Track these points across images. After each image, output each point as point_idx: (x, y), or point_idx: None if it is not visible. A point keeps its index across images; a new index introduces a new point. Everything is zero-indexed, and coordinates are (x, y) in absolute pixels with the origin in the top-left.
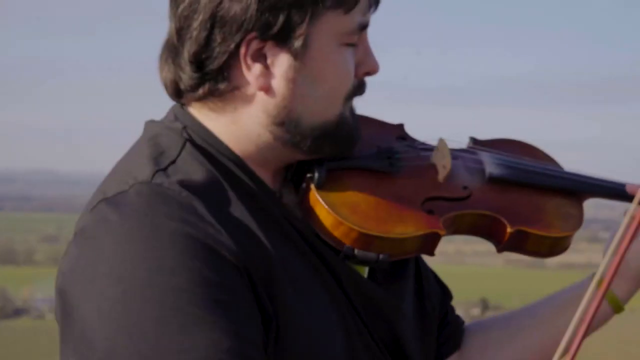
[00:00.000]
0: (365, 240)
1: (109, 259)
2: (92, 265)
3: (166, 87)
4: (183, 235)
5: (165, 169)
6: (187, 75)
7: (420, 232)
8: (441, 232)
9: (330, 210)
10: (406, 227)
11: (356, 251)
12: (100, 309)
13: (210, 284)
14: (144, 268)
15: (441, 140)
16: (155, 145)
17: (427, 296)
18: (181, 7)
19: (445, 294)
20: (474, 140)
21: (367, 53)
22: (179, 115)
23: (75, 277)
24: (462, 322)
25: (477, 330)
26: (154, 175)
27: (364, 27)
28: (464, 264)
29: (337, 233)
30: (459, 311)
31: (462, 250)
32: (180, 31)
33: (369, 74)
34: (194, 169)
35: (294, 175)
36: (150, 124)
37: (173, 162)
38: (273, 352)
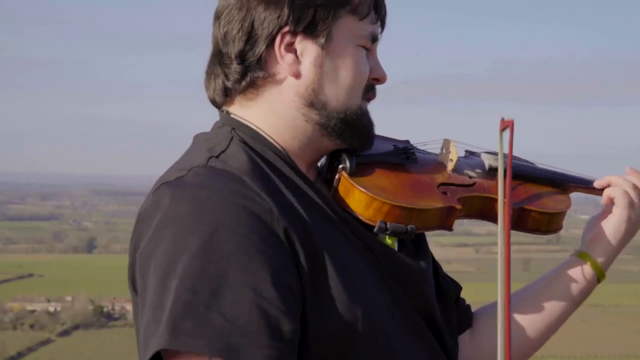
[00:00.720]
0: (396, 212)
1: (175, 227)
2: (158, 235)
3: (214, 96)
4: (236, 205)
5: (217, 156)
6: (232, 71)
7: (440, 205)
8: (457, 207)
9: (363, 189)
10: (428, 201)
11: (388, 224)
12: (162, 261)
13: (256, 247)
14: (204, 234)
15: (446, 140)
16: (207, 142)
17: (443, 277)
18: (224, 13)
19: (453, 281)
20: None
21: (377, 62)
22: (225, 120)
23: (147, 245)
24: (469, 306)
25: (484, 312)
26: (208, 160)
27: (374, 37)
28: None
29: (370, 210)
30: None
31: None
32: (225, 35)
33: (378, 80)
34: (242, 156)
35: (326, 174)
36: (199, 134)
37: (223, 151)
38: (316, 308)
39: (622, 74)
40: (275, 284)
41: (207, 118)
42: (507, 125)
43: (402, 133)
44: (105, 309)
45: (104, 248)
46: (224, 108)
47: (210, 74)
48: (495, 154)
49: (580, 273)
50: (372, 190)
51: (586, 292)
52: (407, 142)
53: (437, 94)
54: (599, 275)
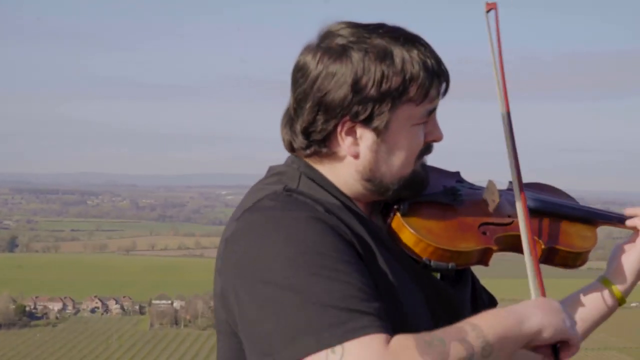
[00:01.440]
0: (439, 253)
1: (260, 242)
2: (249, 249)
3: (284, 142)
4: (307, 218)
5: (291, 190)
6: (298, 140)
7: (479, 247)
8: (493, 248)
9: (413, 231)
10: (468, 243)
11: (432, 262)
12: (261, 276)
13: (333, 248)
14: (284, 246)
15: (490, 181)
16: (279, 176)
17: (480, 296)
18: (298, 91)
19: (491, 297)
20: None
21: (434, 126)
22: (295, 161)
23: (241, 260)
24: None
25: None
26: (284, 188)
27: (431, 111)
28: (205, 257)
29: (417, 248)
30: (202, 303)
31: (204, 244)
32: (296, 109)
33: (434, 141)
34: (312, 192)
35: (383, 208)
36: (272, 166)
37: (296, 187)
38: None
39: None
40: (357, 271)
41: (134, 117)
42: (491, 7)
43: None
44: (27, 308)
45: (25, 247)
46: (295, 154)
47: (284, 124)
48: (528, 189)
49: (602, 298)
50: (420, 232)
51: (606, 316)
52: (458, 173)
53: None
54: (620, 302)
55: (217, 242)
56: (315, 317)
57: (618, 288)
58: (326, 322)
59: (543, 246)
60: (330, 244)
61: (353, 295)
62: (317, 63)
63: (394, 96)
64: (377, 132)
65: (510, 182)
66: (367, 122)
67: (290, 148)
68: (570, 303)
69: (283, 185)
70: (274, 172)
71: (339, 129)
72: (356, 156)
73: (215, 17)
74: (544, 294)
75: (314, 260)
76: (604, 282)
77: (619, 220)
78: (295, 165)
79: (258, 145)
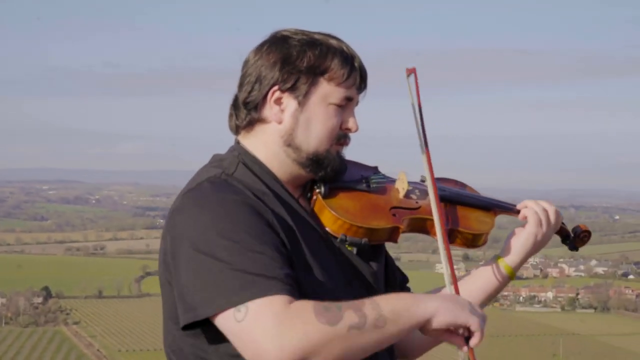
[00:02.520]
0: (353, 229)
1: (196, 217)
2: (187, 221)
3: (231, 128)
4: (235, 201)
5: (228, 175)
6: (241, 114)
7: (388, 225)
8: (401, 227)
9: (331, 210)
10: (379, 222)
11: (348, 238)
12: (187, 244)
13: (251, 225)
14: (209, 222)
15: (401, 172)
16: (219, 163)
17: (392, 272)
18: (243, 70)
19: (402, 274)
20: (423, 178)
21: (350, 116)
22: (236, 148)
23: (179, 229)
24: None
25: None
26: (220, 174)
27: (349, 99)
28: (26, 254)
29: (335, 226)
30: (24, 300)
31: (25, 240)
32: (240, 84)
33: (348, 130)
34: (246, 178)
35: (307, 192)
36: (216, 154)
37: (233, 173)
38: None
39: None
40: (267, 242)
41: (35, 112)
42: (411, 72)
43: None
44: None
45: None
46: (236, 137)
47: (230, 114)
48: (438, 180)
49: (495, 272)
50: (337, 211)
51: (500, 288)
52: (376, 168)
53: (182, 85)
54: (511, 276)
55: (38, 238)
56: (229, 280)
57: (508, 264)
58: (237, 285)
59: (446, 228)
60: (251, 223)
61: (264, 263)
62: (258, 51)
63: (315, 72)
64: (299, 101)
65: (422, 177)
66: (291, 90)
67: (236, 129)
68: (469, 278)
69: (222, 170)
70: (216, 159)
71: (269, 96)
72: (280, 122)
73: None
74: (457, 290)
75: (236, 235)
76: (497, 259)
77: (511, 209)
78: (236, 152)
79: (80, 139)
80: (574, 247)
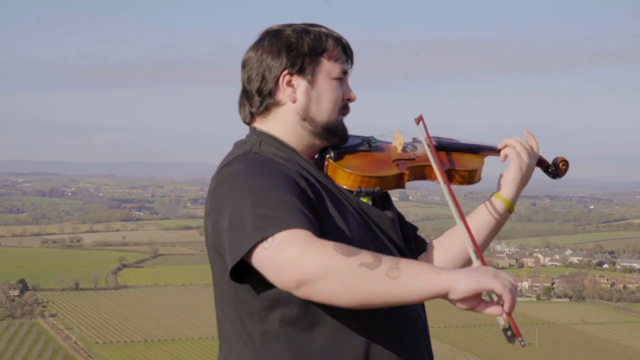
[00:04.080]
0: (366, 180)
1: (232, 185)
2: (225, 192)
3: (244, 118)
4: (267, 167)
5: (255, 152)
6: (255, 101)
7: (395, 172)
8: (406, 173)
9: (344, 169)
10: (386, 171)
11: (362, 189)
12: (237, 201)
13: (282, 182)
14: (244, 182)
15: (397, 132)
16: (244, 145)
17: (404, 221)
18: (247, 63)
19: (413, 225)
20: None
21: (348, 88)
22: (253, 132)
23: (221, 201)
24: (423, 239)
25: (433, 244)
26: (249, 151)
27: (345, 72)
28: (2, 246)
29: (349, 182)
30: (0, 293)
31: (1, 232)
32: (249, 78)
33: (349, 99)
34: (271, 151)
35: (319, 162)
36: (238, 141)
37: (258, 149)
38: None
39: None
40: (304, 204)
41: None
42: (419, 119)
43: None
44: None
45: None
46: (251, 125)
47: (241, 104)
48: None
49: (497, 207)
50: (349, 168)
51: (502, 222)
52: (372, 137)
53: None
54: (510, 209)
55: (13, 230)
56: (259, 221)
57: (505, 197)
58: (265, 223)
59: (444, 168)
60: (281, 180)
61: (292, 207)
62: (259, 46)
63: (317, 52)
64: (308, 80)
65: (413, 139)
66: (300, 72)
67: (250, 117)
68: (475, 214)
69: (250, 148)
70: (238, 143)
71: (280, 81)
72: (294, 100)
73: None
74: (483, 261)
75: (268, 188)
76: (495, 195)
77: (494, 150)
78: (255, 135)
79: (54, 131)
80: (555, 175)
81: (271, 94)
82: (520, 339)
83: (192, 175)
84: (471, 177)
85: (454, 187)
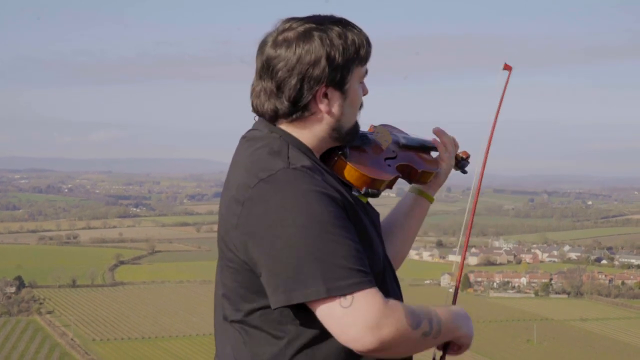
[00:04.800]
0: (372, 183)
1: (285, 209)
2: (273, 217)
3: (265, 113)
4: (315, 191)
5: (289, 160)
6: (284, 107)
7: (393, 176)
8: (398, 176)
9: (357, 169)
10: (385, 175)
11: (370, 190)
12: (281, 233)
13: (336, 216)
14: (299, 213)
15: (380, 126)
16: (271, 147)
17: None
18: (279, 72)
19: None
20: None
21: (364, 83)
22: (273, 129)
23: (260, 223)
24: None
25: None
26: (288, 163)
27: (367, 72)
28: None
29: (359, 181)
30: None
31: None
32: (279, 85)
33: (365, 94)
34: (302, 159)
35: (324, 155)
36: (252, 137)
37: (289, 157)
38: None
39: None
40: (354, 239)
41: None
42: (507, 68)
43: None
44: None
45: None
46: (274, 123)
47: (261, 99)
48: (390, 128)
49: (424, 206)
50: (360, 168)
51: (424, 214)
52: None
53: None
54: (430, 200)
55: (10, 227)
56: (325, 269)
57: (431, 195)
58: (335, 275)
59: (419, 170)
60: (332, 213)
61: (353, 256)
62: (288, 47)
63: (352, 62)
64: (342, 92)
65: (371, 125)
66: (336, 85)
67: (274, 115)
68: (396, 211)
69: (287, 159)
70: (262, 144)
71: (317, 94)
72: (329, 113)
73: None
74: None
75: (322, 226)
76: (420, 193)
77: (435, 147)
78: (276, 134)
79: (51, 128)
80: (464, 171)
81: (307, 106)
82: None
83: (189, 171)
84: (431, 177)
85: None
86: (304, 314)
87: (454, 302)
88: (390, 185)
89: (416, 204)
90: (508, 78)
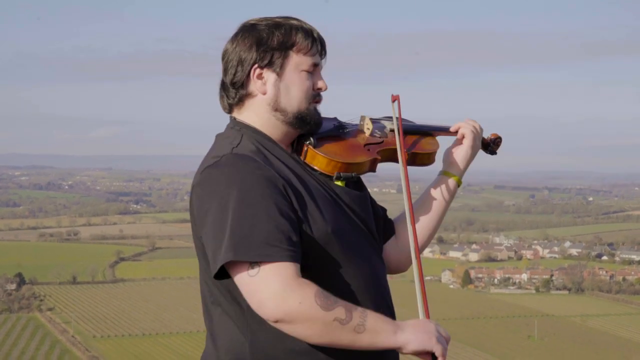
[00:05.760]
0: (345, 167)
1: (220, 187)
2: (210, 190)
3: (224, 108)
4: (249, 172)
5: (236, 147)
6: (231, 93)
7: (369, 158)
8: (378, 158)
9: (324, 155)
10: (361, 157)
11: (342, 174)
12: (219, 205)
13: (264, 194)
14: (238, 189)
15: (363, 116)
16: (227, 138)
17: (375, 203)
18: (224, 59)
19: (382, 207)
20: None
21: (319, 78)
22: (234, 123)
23: (203, 199)
24: (392, 219)
25: (399, 221)
26: (232, 150)
27: (315, 64)
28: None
29: (329, 167)
30: None
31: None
32: (225, 70)
33: (319, 89)
34: (251, 146)
35: (296, 148)
36: (219, 133)
37: (239, 144)
38: (306, 227)
39: None
40: (284, 215)
41: None
42: (395, 98)
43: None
44: None
45: None
46: (232, 115)
47: (220, 95)
48: (390, 118)
49: (450, 187)
50: (329, 154)
51: (453, 196)
52: (335, 118)
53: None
54: (459, 183)
55: (10, 224)
56: (239, 241)
57: (457, 175)
58: (245, 245)
59: (408, 153)
60: (260, 191)
61: (271, 231)
62: (234, 39)
63: (285, 46)
64: (277, 73)
65: (374, 120)
66: (269, 65)
67: (229, 108)
68: (429, 193)
69: (232, 147)
70: (221, 137)
71: (251, 74)
72: (264, 92)
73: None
74: (427, 314)
75: (255, 201)
76: (446, 174)
77: (447, 130)
78: (236, 127)
79: (51, 125)
80: (493, 152)
81: (243, 85)
82: None
83: (189, 168)
84: (430, 159)
85: (416, 168)
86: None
87: (424, 304)
88: (371, 168)
89: (439, 182)
90: (399, 107)
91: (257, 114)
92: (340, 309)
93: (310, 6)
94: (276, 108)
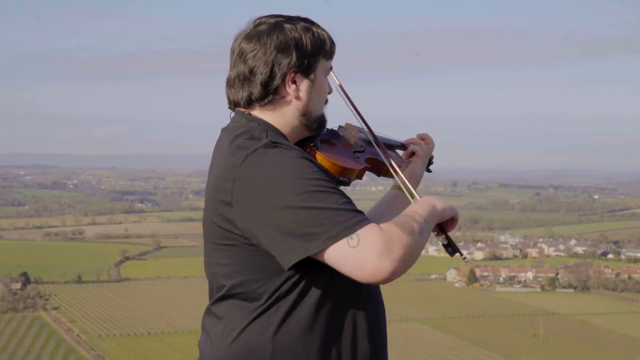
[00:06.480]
0: (345, 171)
1: (270, 175)
2: (262, 181)
3: (239, 101)
4: (298, 157)
5: (270, 139)
6: (257, 92)
7: (362, 167)
8: (367, 166)
9: (329, 158)
10: (355, 165)
11: (342, 178)
12: (279, 195)
13: (321, 174)
14: (289, 174)
15: (348, 124)
16: (251, 134)
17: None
18: (252, 59)
19: None
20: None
21: (328, 81)
22: (250, 118)
23: (255, 192)
24: None
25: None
26: (267, 135)
27: (331, 68)
28: (4, 239)
29: (332, 170)
30: (2, 286)
31: (2, 226)
32: (252, 70)
33: (330, 92)
34: (281, 140)
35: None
36: (232, 128)
37: (268, 137)
38: None
39: None
40: (340, 190)
41: None
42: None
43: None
44: None
45: None
46: (245, 110)
47: (236, 87)
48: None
49: (401, 198)
50: (332, 158)
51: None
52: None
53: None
54: (412, 197)
55: (15, 223)
56: (327, 216)
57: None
58: (338, 219)
59: (386, 164)
60: (317, 172)
61: (345, 200)
62: (265, 39)
63: (318, 52)
64: (310, 79)
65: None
66: (304, 72)
67: (248, 102)
68: (378, 205)
69: (267, 139)
70: (242, 131)
71: (286, 79)
72: (298, 98)
73: None
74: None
75: (312, 181)
76: (398, 187)
77: (402, 145)
78: (254, 122)
79: (56, 124)
80: (428, 170)
81: (277, 89)
82: (460, 254)
83: (194, 167)
84: (388, 173)
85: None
86: (279, 277)
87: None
88: (360, 176)
89: (396, 198)
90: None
91: (284, 117)
92: (414, 224)
93: (310, 6)
94: (304, 113)
